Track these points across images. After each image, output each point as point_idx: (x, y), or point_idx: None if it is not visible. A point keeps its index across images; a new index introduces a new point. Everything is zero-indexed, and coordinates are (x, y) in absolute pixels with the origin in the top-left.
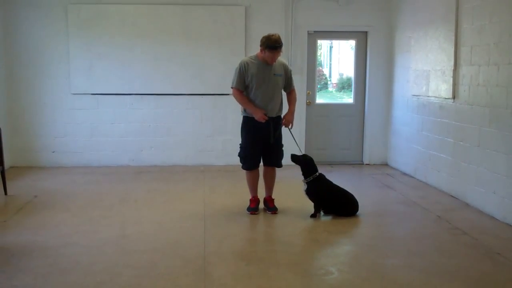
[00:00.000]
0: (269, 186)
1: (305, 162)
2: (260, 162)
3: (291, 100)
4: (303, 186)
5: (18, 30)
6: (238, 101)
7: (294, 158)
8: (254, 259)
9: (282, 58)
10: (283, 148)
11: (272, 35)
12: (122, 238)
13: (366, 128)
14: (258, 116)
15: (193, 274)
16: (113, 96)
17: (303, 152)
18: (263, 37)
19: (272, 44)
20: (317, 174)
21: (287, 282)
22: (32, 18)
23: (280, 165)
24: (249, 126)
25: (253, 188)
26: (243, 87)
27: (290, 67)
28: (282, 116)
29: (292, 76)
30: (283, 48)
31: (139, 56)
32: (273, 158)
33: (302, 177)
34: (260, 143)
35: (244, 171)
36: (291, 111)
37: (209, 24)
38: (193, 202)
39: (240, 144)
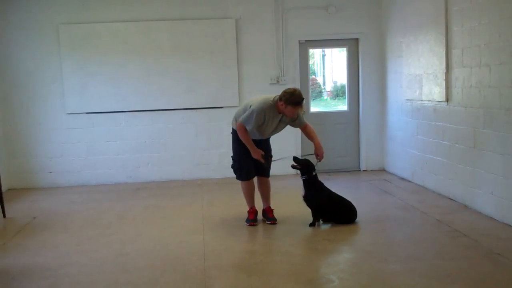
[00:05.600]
0: (266, 196)
1: (306, 166)
2: (254, 173)
3: (311, 133)
4: (301, 191)
5: (10, 52)
6: (239, 135)
7: (296, 160)
8: (255, 271)
9: None
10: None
11: (295, 91)
12: (122, 256)
13: (361, 134)
14: (256, 156)
15: None
16: (107, 114)
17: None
18: (286, 93)
19: (296, 100)
20: (314, 173)
21: None
22: (24, 40)
23: (267, 175)
24: (263, 158)
25: (250, 199)
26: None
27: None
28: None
29: (301, 114)
30: (276, 59)
31: (131, 73)
32: (262, 168)
33: (301, 189)
34: (250, 155)
35: (240, 184)
36: (317, 144)
37: (200, 38)
38: (192, 216)
39: (232, 157)
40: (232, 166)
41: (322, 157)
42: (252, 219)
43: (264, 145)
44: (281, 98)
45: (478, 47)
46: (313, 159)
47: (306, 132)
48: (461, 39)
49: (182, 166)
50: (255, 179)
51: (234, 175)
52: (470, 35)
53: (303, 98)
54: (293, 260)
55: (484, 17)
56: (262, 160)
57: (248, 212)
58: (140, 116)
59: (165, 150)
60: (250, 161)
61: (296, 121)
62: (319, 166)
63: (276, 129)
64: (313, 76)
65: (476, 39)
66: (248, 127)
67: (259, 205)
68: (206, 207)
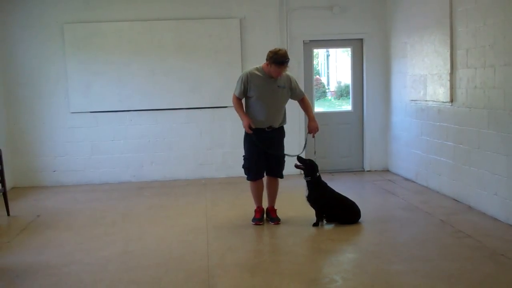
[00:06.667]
0: (272, 197)
1: (310, 165)
2: (264, 173)
3: (307, 107)
4: (304, 192)
5: (15, 51)
6: (233, 105)
7: (300, 159)
8: (258, 270)
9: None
10: (285, 159)
11: (279, 50)
12: (125, 255)
13: (365, 134)
14: (244, 123)
15: (197, 287)
16: (112, 113)
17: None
18: (270, 52)
19: (279, 59)
20: (318, 174)
21: None
22: (29, 39)
23: (281, 176)
24: (251, 137)
25: (258, 198)
26: (243, 96)
27: (294, 77)
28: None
29: (298, 84)
30: None
31: (136, 72)
32: (275, 168)
33: (304, 189)
34: (262, 154)
35: (248, 183)
36: (311, 118)
37: (204, 38)
38: (195, 215)
39: (243, 156)
40: (243, 166)
41: (315, 131)
42: (258, 218)
43: (277, 141)
44: (266, 58)
45: (483, 48)
46: (310, 141)
47: (303, 105)
48: (466, 40)
49: (186, 166)
50: (265, 178)
51: (238, 175)
52: (474, 36)
53: (288, 59)
54: (297, 260)
55: (489, 18)
56: (249, 131)
57: (255, 211)
58: (144, 115)
59: (169, 149)
60: (260, 161)
61: (297, 91)
62: (323, 166)
63: (277, 99)
64: (317, 76)
65: (480, 40)
66: (237, 93)
67: (265, 204)
68: (209, 206)
